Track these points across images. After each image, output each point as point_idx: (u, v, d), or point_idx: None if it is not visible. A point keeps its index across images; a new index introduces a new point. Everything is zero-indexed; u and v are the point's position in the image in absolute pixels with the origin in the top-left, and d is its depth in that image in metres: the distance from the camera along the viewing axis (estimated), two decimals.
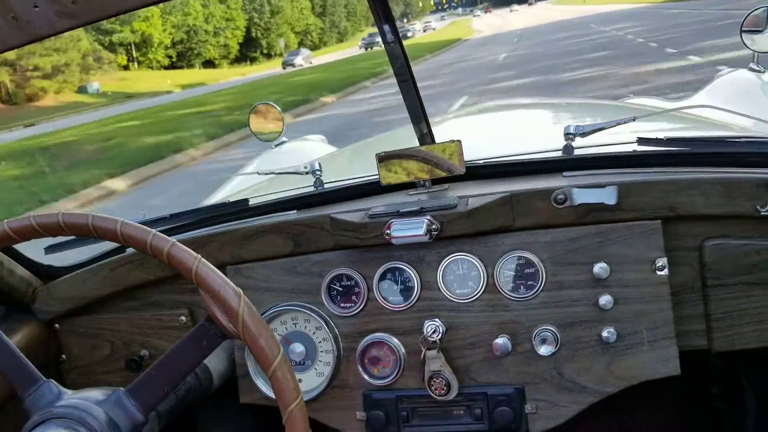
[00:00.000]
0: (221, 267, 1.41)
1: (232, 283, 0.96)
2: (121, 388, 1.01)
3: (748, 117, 1.96)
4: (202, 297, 0.98)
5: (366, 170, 1.63)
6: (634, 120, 1.49)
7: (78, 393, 1.02)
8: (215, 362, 1.37)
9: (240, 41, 74.57)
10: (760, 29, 2.66)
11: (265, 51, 78.76)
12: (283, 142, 3.05)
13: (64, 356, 1.57)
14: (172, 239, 0.98)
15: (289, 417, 0.93)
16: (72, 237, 1.50)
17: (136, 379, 1.02)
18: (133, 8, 1.04)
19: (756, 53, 2.71)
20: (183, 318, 1.49)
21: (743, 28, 2.68)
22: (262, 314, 1.37)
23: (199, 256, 0.97)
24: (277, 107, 3.03)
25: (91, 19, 1.05)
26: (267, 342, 0.94)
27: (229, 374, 1.41)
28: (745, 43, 2.66)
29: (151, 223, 1.55)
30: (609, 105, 3.04)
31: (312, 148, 3.18)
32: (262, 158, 3.08)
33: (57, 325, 1.56)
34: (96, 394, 1.01)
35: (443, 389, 1.28)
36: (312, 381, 1.38)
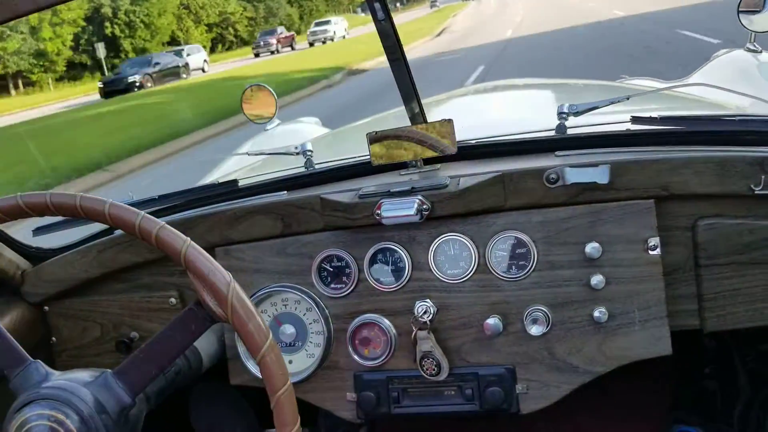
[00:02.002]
0: (210, 248, 1.40)
1: (221, 267, 0.95)
2: (109, 370, 1.01)
3: (743, 95, 1.95)
4: (191, 280, 0.96)
5: (358, 151, 1.62)
6: (628, 99, 1.47)
7: (65, 374, 1.01)
8: (205, 344, 1.36)
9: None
10: (758, 9, 2.63)
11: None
12: (277, 125, 3.03)
13: (54, 339, 1.57)
14: (161, 221, 0.96)
15: (278, 403, 0.92)
16: (60, 218, 1.48)
17: (124, 362, 1.01)
18: None
19: (752, 33, 2.68)
20: (173, 300, 1.48)
21: (740, 9, 2.65)
22: (251, 296, 1.36)
23: (188, 239, 0.95)
24: (271, 89, 3.00)
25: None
26: (256, 327, 0.93)
27: (219, 356, 1.40)
28: (742, 24, 2.64)
29: (140, 204, 1.54)
30: (604, 85, 3.02)
31: (306, 130, 3.16)
32: (255, 140, 3.06)
33: (46, 308, 1.55)
34: (83, 375, 1.00)
35: (434, 369, 1.28)
36: (302, 362, 1.37)
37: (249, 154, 2.02)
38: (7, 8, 1.02)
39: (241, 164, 2.60)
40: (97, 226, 1.52)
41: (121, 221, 0.98)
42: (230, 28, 56.80)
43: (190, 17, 51.73)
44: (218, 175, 2.58)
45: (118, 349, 1.51)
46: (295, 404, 0.93)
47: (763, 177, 1.18)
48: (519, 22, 29.94)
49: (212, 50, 51.46)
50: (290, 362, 1.37)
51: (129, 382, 1.00)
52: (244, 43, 55.47)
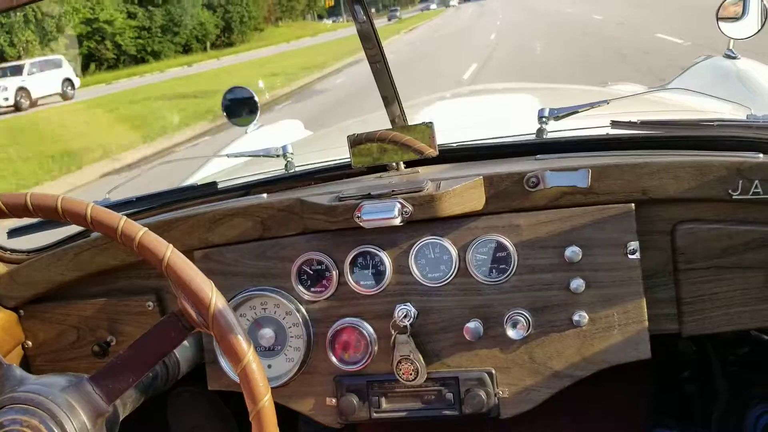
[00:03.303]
0: (189, 251, 1.38)
1: (203, 276, 0.94)
2: (86, 375, 0.99)
3: (722, 100, 1.96)
4: (172, 288, 0.95)
5: (339, 154, 1.61)
6: (607, 103, 1.48)
7: (40, 379, 1.00)
8: (183, 348, 1.34)
9: None
10: (737, 17, 2.67)
11: None
12: (259, 127, 3.01)
13: (29, 342, 1.54)
14: (144, 227, 0.95)
15: (257, 415, 0.91)
16: (37, 220, 1.46)
17: (101, 368, 1.00)
18: None
19: (731, 40, 2.72)
20: (150, 304, 1.46)
21: (719, 16, 2.68)
22: (230, 299, 1.35)
23: (171, 245, 0.94)
24: (253, 92, 2.99)
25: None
26: (237, 338, 0.93)
27: (197, 360, 1.39)
28: (722, 31, 2.67)
29: (118, 205, 1.52)
30: (586, 90, 3.04)
31: (288, 133, 3.15)
32: (237, 143, 3.04)
33: (21, 311, 1.52)
34: (59, 380, 0.99)
35: (411, 374, 1.27)
36: (282, 367, 1.36)
37: (229, 156, 2.01)
38: None
39: (221, 167, 2.58)
40: (73, 228, 1.50)
41: (102, 225, 0.96)
42: (107, 42, 41.14)
43: (30, 27, 33.76)
44: (198, 177, 2.56)
45: (94, 353, 1.49)
46: (275, 416, 0.92)
47: (741, 182, 1.19)
48: (499, 26, 31.32)
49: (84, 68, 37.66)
50: (269, 366, 1.36)
51: (106, 388, 0.98)
52: (138, 60, 42.84)
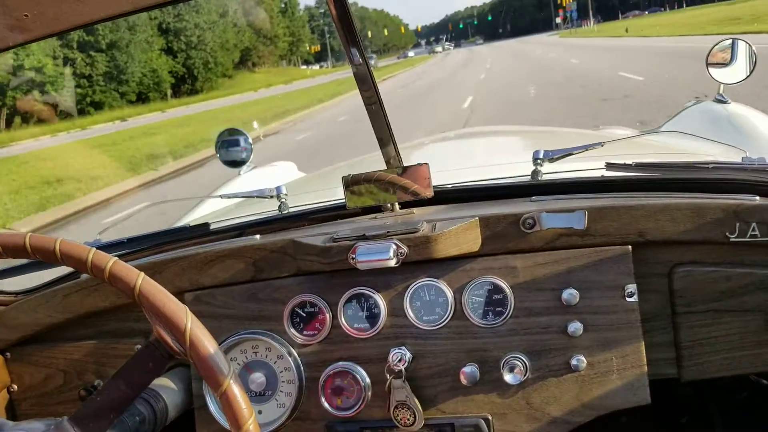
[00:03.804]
0: (179, 293, 1.36)
1: (177, 300, 0.92)
2: (66, 417, 0.96)
3: (715, 142, 1.98)
4: (146, 316, 0.93)
5: (334, 195, 1.60)
6: (602, 146, 1.48)
7: (19, 425, 0.96)
8: (171, 392, 1.31)
9: None
10: (726, 63, 2.71)
11: None
12: (252, 168, 3.02)
13: (15, 386, 1.50)
14: (114, 257, 0.93)
15: None
16: (22, 261, 1.44)
17: (81, 407, 0.97)
18: (86, 24, 1.00)
19: (721, 84, 2.76)
20: (139, 347, 1.42)
21: (709, 62, 2.72)
22: (221, 342, 1.32)
23: (142, 273, 0.92)
24: (247, 134, 3.00)
25: (44, 33, 1.02)
26: (216, 360, 0.90)
27: (185, 406, 1.35)
28: (712, 76, 2.71)
29: (108, 247, 1.50)
30: (580, 133, 3.06)
31: (281, 174, 3.15)
32: (230, 185, 3.03)
33: (8, 354, 1.49)
34: (38, 425, 0.96)
35: (409, 419, 1.24)
36: (272, 413, 1.32)
37: (222, 197, 1.99)
38: None
39: (214, 208, 2.57)
40: (63, 269, 1.48)
41: (71, 259, 0.95)
42: (35, 92, 33.72)
43: None
44: (190, 219, 2.54)
45: (81, 397, 1.45)
46: None
47: (738, 224, 1.19)
48: (489, 68, 34.72)
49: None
50: (260, 412, 1.32)
51: (87, 428, 0.95)
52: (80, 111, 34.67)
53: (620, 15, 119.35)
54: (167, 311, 0.91)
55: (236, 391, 0.89)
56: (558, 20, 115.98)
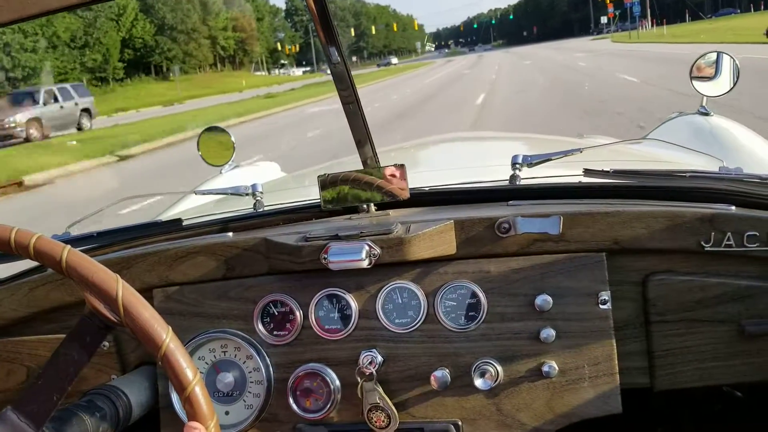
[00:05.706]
0: (148, 290, 1.33)
1: (105, 268, 0.90)
2: (9, 406, 0.93)
3: (694, 152, 1.98)
4: (78, 288, 0.91)
5: (310, 195, 1.58)
6: (581, 152, 1.47)
7: None
8: (136, 391, 1.28)
9: None
10: (710, 77, 2.73)
11: None
12: (233, 167, 2.98)
13: None
14: (38, 233, 0.91)
15: (188, 400, 0.87)
16: None
17: (23, 394, 0.94)
18: (56, 10, 0.97)
19: (704, 97, 2.77)
20: (106, 344, 1.39)
21: (693, 75, 2.73)
22: (189, 340, 1.29)
23: (68, 246, 0.90)
24: (229, 132, 2.97)
25: (11, 18, 0.99)
26: (152, 323, 0.88)
27: (150, 405, 1.32)
28: (696, 89, 2.72)
29: (76, 240, 1.46)
30: (561, 140, 3.06)
31: (263, 174, 3.12)
32: (210, 182, 3.00)
33: None
34: None
35: (383, 421, 1.22)
36: (240, 414, 1.30)
37: (196, 194, 1.96)
38: None
39: (192, 205, 2.54)
40: (29, 262, 1.44)
41: None
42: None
43: None
44: (169, 215, 2.51)
45: None
46: (208, 396, 0.88)
47: (713, 233, 1.18)
48: (498, 69, 38.76)
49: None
50: (227, 413, 1.30)
51: (31, 414, 0.92)
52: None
53: (688, 17, 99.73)
54: (97, 280, 0.89)
55: (177, 353, 0.88)
56: (604, 20, 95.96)
